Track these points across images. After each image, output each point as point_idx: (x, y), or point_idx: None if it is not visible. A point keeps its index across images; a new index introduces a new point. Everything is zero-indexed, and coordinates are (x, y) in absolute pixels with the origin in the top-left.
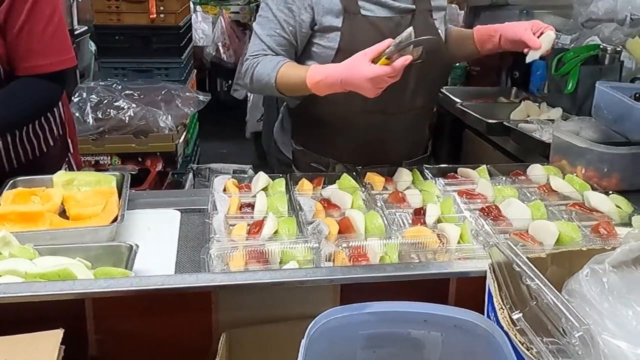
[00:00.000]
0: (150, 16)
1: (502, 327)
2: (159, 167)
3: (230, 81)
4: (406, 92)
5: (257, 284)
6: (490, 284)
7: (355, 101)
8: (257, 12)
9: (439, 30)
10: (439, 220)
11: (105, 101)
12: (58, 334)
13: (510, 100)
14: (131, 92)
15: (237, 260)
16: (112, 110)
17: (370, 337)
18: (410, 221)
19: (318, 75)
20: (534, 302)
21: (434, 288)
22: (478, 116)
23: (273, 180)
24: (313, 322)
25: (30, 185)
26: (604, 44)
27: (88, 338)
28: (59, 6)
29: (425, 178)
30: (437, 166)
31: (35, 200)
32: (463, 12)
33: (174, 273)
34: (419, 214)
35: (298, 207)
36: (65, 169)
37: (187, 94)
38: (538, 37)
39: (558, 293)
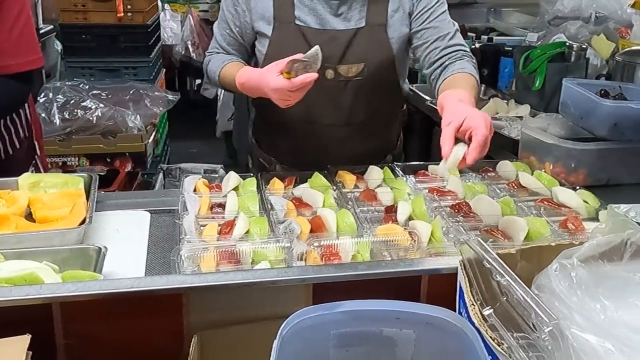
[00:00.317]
0: (118, 15)
1: (473, 323)
2: (128, 167)
3: (200, 80)
4: (342, 106)
5: (228, 284)
6: (462, 280)
7: (293, 108)
8: None
9: (392, 47)
10: (410, 218)
11: (72, 101)
12: (25, 339)
13: (479, 98)
14: (99, 91)
15: (208, 261)
16: (79, 111)
17: (342, 336)
18: (381, 219)
19: (242, 78)
20: (505, 298)
21: (406, 285)
22: None
23: (244, 179)
24: (285, 322)
25: None
26: (570, 42)
27: (56, 343)
28: (27, 5)
29: (396, 176)
30: (407, 164)
31: (1, 203)
32: None
33: (144, 275)
34: (390, 212)
35: (269, 206)
36: (32, 172)
37: (156, 93)
38: (468, 138)
39: (528, 289)
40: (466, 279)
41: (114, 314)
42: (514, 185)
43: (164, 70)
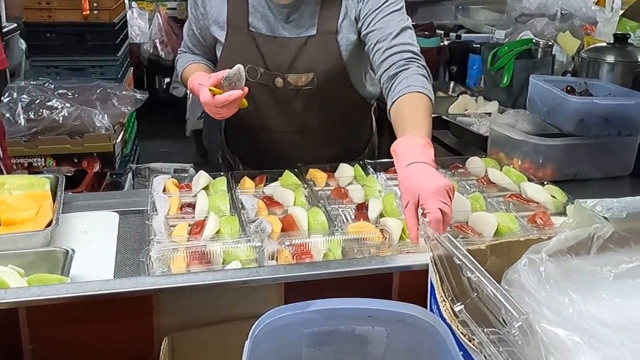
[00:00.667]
0: (83, 13)
1: (444, 320)
2: (96, 168)
3: (168, 79)
4: (294, 114)
5: (199, 285)
6: (432, 277)
7: (249, 114)
8: None
9: (343, 55)
10: (381, 215)
11: (38, 101)
12: None
13: (448, 95)
14: (65, 91)
15: (178, 261)
16: (44, 110)
17: (315, 335)
18: (353, 217)
19: (190, 84)
20: (475, 294)
21: (377, 283)
22: None
23: (214, 178)
24: (257, 322)
25: None
26: (536, 39)
27: (22, 349)
28: None
29: (367, 173)
30: (378, 161)
31: None
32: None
33: (112, 277)
34: (361, 209)
35: (240, 205)
36: None
37: (124, 92)
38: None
39: (497, 285)
40: (437, 275)
41: (82, 317)
42: (483, 181)
43: (132, 68)
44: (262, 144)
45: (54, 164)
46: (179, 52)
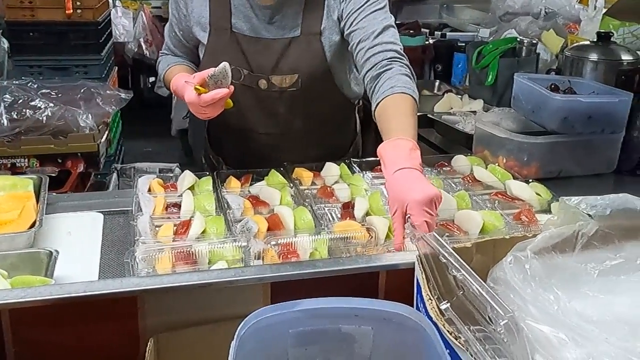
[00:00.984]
0: (67, 11)
1: (430, 318)
2: (81, 168)
3: (153, 78)
4: (277, 116)
5: (184, 286)
6: (419, 275)
7: (232, 115)
8: None
9: (327, 56)
10: (367, 214)
11: (21, 101)
12: None
13: (433, 93)
14: (48, 90)
15: (163, 262)
16: (28, 110)
17: (301, 334)
18: (339, 215)
19: (173, 86)
20: (461, 292)
21: (364, 282)
22: None
23: (200, 178)
24: (243, 322)
25: None
26: (520, 37)
27: (6, 351)
28: None
29: (353, 172)
30: (364, 160)
31: None
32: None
33: (97, 279)
34: (347, 208)
35: (226, 205)
36: None
37: (108, 91)
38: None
39: (483, 283)
40: (423, 274)
41: (66, 319)
42: (468, 179)
43: (116, 68)
44: (245, 145)
45: (38, 165)
46: (160, 54)
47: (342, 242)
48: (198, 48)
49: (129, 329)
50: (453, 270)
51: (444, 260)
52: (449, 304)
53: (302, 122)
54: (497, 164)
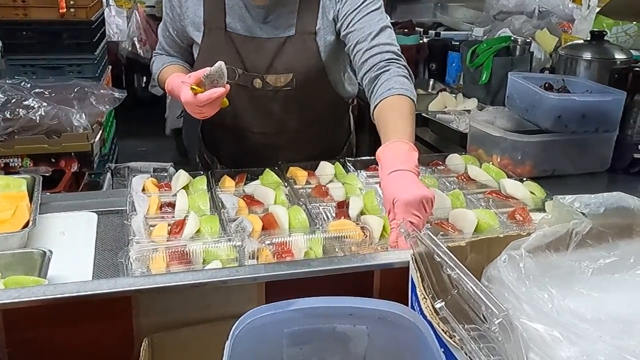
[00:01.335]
0: (60, 11)
1: (425, 317)
2: (74, 167)
3: (147, 77)
4: (272, 115)
5: (179, 285)
6: (413, 274)
7: (227, 114)
8: None
9: (322, 56)
10: (362, 213)
11: (14, 100)
12: None
13: (427, 92)
14: (41, 90)
15: (157, 262)
16: (21, 110)
17: (295, 334)
18: (333, 214)
19: (168, 86)
20: (455, 291)
21: (358, 281)
22: None
23: (194, 177)
24: (237, 322)
25: None
26: (514, 36)
27: None
28: None
29: (347, 171)
30: (359, 159)
31: None
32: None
33: (91, 279)
34: (342, 207)
35: (220, 204)
36: None
37: (102, 91)
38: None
39: (477, 281)
40: (418, 273)
41: (60, 320)
42: (463, 178)
43: (110, 67)
44: (240, 144)
45: (31, 164)
46: (154, 54)
47: (337, 241)
48: (192, 47)
49: (123, 329)
50: (447, 269)
51: (439, 259)
52: (443, 303)
53: (297, 121)
54: (491, 163)
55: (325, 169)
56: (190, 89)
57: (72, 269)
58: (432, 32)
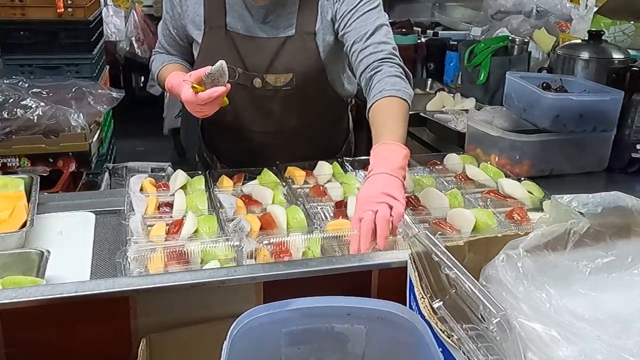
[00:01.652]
0: (57, 10)
1: (423, 316)
2: (72, 167)
3: (145, 77)
4: (272, 114)
5: (177, 285)
6: (411, 274)
7: (227, 113)
8: None
9: (322, 56)
10: None
11: (11, 100)
12: None
13: (425, 92)
14: (39, 90)
15: (155, 262)
16: (18, 110)
17: (294, 334)
18: (332, 214)
19: (168, 84)
20: (453, 291)
21: (356, 281)
22: None
23: (192, 177)
24: (235, 322)
25: None
26: (512, 36)
27: None
28: None
29: (345, 171)
30: (357, 158)
31: None
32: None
33: (89, 279)
34: (340, 207)
35: (218, 204)
36: None
37: (100, 90)
38: None
39: (475, 281)
40: (416, 272)
41: (58, 319)
42: (461, 177)
43: (108, 67)
44: (239, 143)
45: (29, 164)
46: (153, 53)
47: (335, 241)
48: (192, 46)
49: (121, 329)
50: (445, 269)
51: (437, 259)
52: (441, 303)
53: (297, 120)
54: (489, 163)
55: (324, 168)
56: (191, 87)
57: (70, 269)
58: (430, 31)
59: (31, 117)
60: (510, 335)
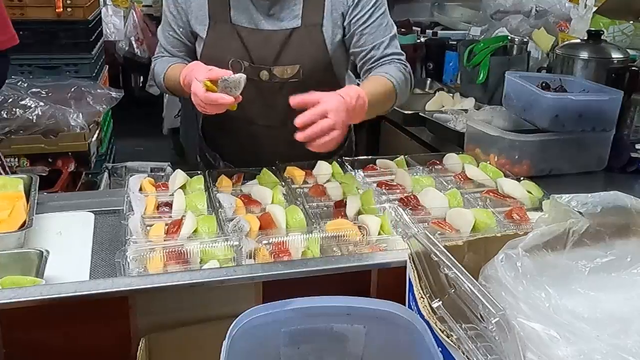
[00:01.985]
0: (57, 10)
1: (422, 316)
2: (71, 167)
3: (144, 77)
4: (278, 108)
5: (176, 285)
6: (411, 273)
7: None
8: None
9: (329, 48)
10: (359, 212)
11: (10, 100)
12: None
13: (425, 92)
14: (38, 89)
15: (155, 262)
16: (18, 110)
17: (293, 333)
18: (331, 214)
19: (181, 76)
20: (453, 290)
21: (356, 280)
22: (394, 107)
23: (191, 177)
24: (235, 322)
25: None
26: (511, 35)
27: None
28: None
29: (345, 170)
30: (356, 158)
31: None
32: None
33: (88, 279)
34: (339, 207)
35: (218, 204)
36: None
37: (99, 90)
38: None
39: (475, 281)
40: (415, 272)
41: (57, 319)
42: (460, 177)
43: (107, 67)
44: (242, 137)
45: (28, 164)
46: (153, 59)
47: (334, 241)
48: (196, 45)
49: (120, 329)
50: (445, 269)
51: (436, 259)
52: (440, 302)
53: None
54: (488, 162)
55: (323, 168)
56: (203, 83)
57: (69, 269)
58: (429, 31)
59: (30, 117)
60: (510, 335)
